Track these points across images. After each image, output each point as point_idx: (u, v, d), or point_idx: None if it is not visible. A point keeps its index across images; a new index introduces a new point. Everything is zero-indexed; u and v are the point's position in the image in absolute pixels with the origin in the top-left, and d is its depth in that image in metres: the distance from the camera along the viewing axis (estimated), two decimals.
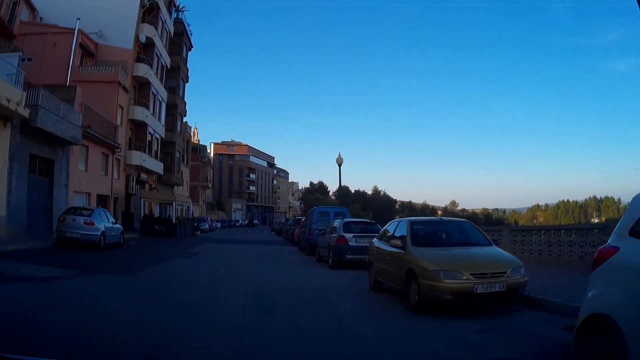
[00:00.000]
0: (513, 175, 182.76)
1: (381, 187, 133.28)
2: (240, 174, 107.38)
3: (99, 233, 15.92)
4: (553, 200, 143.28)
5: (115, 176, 28.16)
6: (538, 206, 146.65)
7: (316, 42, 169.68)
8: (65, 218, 16.09)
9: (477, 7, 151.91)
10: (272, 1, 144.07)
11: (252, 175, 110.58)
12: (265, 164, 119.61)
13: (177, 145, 41.68)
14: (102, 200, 26.21)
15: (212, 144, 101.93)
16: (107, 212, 17.96)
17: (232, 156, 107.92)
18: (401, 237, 7.78)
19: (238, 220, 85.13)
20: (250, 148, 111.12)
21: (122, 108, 29.52)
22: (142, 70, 31.72)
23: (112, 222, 17.64)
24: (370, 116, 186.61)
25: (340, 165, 24.26)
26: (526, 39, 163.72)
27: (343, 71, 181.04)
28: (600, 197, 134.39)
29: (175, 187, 43.93)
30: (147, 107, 32.33)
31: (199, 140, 73.08)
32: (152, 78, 33.01)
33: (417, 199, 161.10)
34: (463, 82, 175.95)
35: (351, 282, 10.55)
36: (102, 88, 27.13)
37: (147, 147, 32.22)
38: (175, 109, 40.90)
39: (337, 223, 14.24)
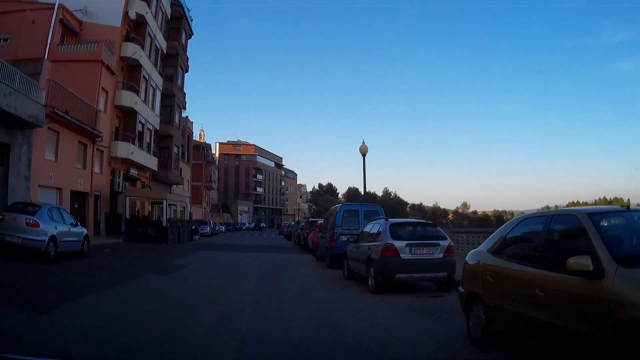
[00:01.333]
0: (521, 176, 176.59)
1: (391, 189, 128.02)
2: (247, 174, 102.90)
3: (47, 238, 11.62)
4: (563, 201, 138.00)
5: (97, 170, 23.92)
6: (548, 207, 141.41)
7: (324, 40, 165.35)
8: (5, 217, 11.84)
9: (480, 8, 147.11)
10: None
11: (259, 176, 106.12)
12: (272, 164, 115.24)
13: (175, 139, 37.46)
14: (79, 198, 21.99)
15: (218, 144, 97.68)
16: (62, 211, 13.65)
17: (238, 156, 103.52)
18: (590, 252, 3.39)
19: (244, 223, 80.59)
20: (257, 148, 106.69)
21: (107, 92, 25.36)
22: (132, 50, 27.66)
23: (71, 224, 13.33)
24: (379, 116, 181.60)
25: (364, 155, 20.03)
26: (533, 39, 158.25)
27: (351, 71, 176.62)
28: (610, 198, 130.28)
29: (174, 186, 39.81)
30: (137, 93, 28.16)
31: (205, 142, 68.98)
32: (143, 60, 28.91)
33: (427, 201, 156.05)
34: (469, 83, 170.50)
35: (421, 323, 6.32)
36: (82, 68, 23.31)
37: (136, 138, 27.99)
38: (172, 100, 36.81)
39: (379, 226, 9.71)
